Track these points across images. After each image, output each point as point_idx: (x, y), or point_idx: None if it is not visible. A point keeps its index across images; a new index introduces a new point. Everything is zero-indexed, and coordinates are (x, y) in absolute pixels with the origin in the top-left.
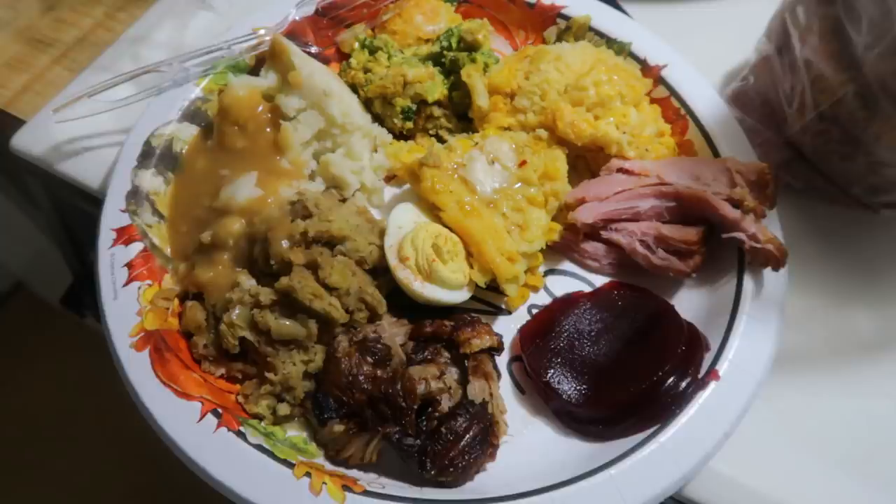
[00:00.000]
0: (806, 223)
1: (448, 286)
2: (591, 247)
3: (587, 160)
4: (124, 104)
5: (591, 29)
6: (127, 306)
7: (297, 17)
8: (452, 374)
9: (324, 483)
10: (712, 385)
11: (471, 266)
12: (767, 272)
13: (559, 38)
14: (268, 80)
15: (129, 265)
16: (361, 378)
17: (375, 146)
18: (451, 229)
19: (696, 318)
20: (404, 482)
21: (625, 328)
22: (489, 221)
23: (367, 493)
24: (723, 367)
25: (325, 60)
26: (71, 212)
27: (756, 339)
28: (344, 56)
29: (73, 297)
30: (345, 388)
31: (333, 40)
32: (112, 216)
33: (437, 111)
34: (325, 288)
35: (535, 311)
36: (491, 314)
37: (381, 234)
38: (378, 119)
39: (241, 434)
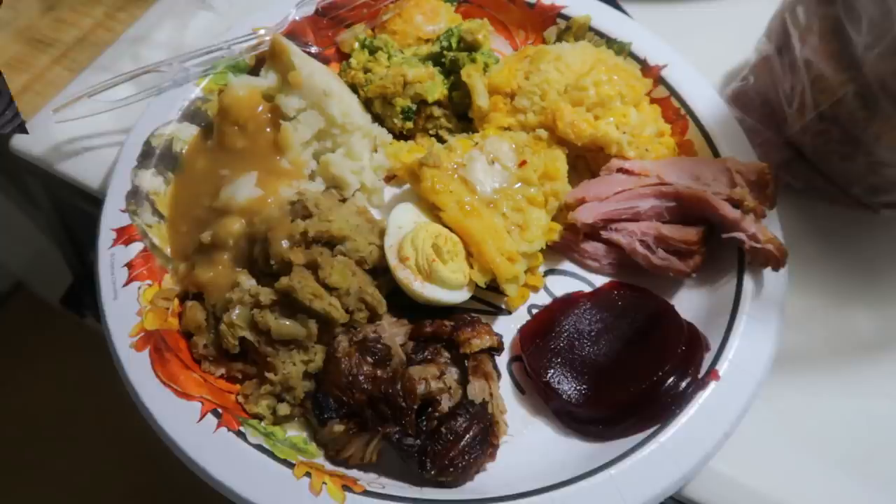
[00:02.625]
0: (806, 223)
1: (448, 286)
2: (591, 247)
3: (587, 160)
4: (124, 104)
5: (591, 29)
6: (127, 306)
7: (297, 17)
8: (452, 374)
9: (324, 483)
10: (712, 385)
11: (471, 266)
12: (767, 272)
13: (559, 38)
14: (268, 80)
15: (129, 265)
16: (361, 378)
17: (375, 146)
18: (451, 229)
19: (696, 318)
20: (404, 482)
21: (625, 328)
22: (489, 221)
23: (367, 493)
24: (723, 367)
25: (325, 60)
26: (71, 212)
27: (756, 339)
28: (344, 56)
29: (73, 297)
30: (345, 388)
31: (333, 40)
32: (112, 216)
33: (437, 111)
34: (325, 288)
35: (535, 311)
36: (491, 314)
37: (381, 234)
38: (378, 119)
39: (241, 434)
